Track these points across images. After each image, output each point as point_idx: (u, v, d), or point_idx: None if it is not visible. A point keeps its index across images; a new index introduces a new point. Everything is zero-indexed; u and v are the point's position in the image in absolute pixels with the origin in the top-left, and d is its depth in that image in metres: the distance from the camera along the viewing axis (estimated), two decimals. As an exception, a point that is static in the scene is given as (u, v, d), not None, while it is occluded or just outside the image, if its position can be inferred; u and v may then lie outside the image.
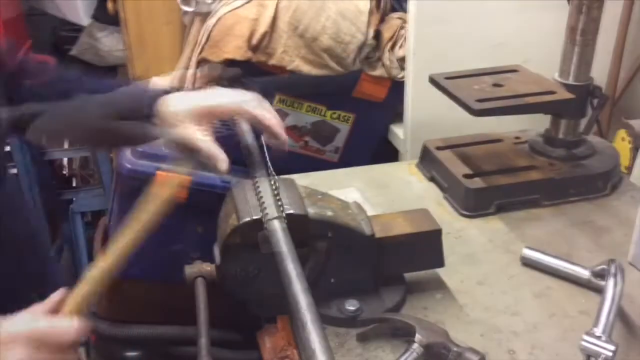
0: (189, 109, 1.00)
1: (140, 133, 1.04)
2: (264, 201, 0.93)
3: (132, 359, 2.15)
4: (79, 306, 0.89)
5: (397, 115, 2.02)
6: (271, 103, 2.02)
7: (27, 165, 2.60)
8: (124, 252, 0.94)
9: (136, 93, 1.10)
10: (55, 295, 0.89)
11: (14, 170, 2.64)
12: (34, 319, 0.85)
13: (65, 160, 3.36)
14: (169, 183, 0.98)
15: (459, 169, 1.39)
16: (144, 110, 1.02)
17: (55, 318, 0.86)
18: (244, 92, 1.05)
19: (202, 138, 0.99)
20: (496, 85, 1.42)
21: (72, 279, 0.93)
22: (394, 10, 2.01)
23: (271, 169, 0.99)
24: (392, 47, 1.95)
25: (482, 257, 1.21)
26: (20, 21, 2.72)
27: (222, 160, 0.98)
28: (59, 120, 1.04)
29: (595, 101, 1.42)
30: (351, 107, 2.05)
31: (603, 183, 1.40)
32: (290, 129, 2.06)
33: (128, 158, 1.92)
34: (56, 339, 0.84)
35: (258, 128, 1.04)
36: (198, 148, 0.99)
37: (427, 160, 1.51)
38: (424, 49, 1.74)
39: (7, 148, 3.23)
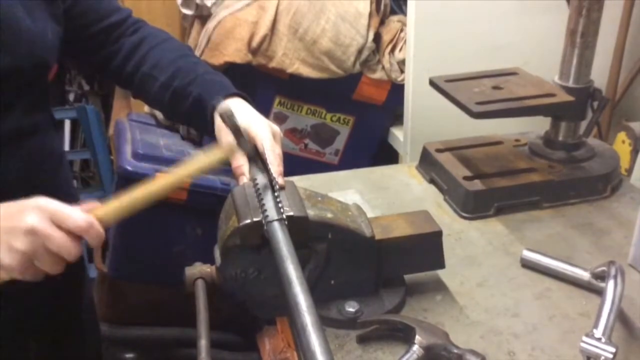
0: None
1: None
2: (264, 203, 0.94)
3: (131, 361, 2.14)
4: (102, 216, 0.90)
5: (397, 118, 2.03)
6: (271, 105, 2.03)
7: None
8: (161, 190, 0.95)
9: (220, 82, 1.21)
10: (84, 204, 0.91)
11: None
12: (49, 199, 0.87)
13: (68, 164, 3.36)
14: (221, 156, 1.01)
15: (459, 171, 1.40)
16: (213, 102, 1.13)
17: (70, 207, 0.87)
18: (263, 118, 1.10)
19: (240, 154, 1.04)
20: (496, 87, 1.42)
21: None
22: (393, 13, 2.02)
23: (271, 171, 0.99)
24: (392, 50, 1.95)
25: (482, 259, 1.21)
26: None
27: (241, 179, 1.03)
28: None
29: (595, 104, 1.42)
30: (351, 110, 2.05)
31: (603, 185, 1.40)
32: (290, 132, 2.07)
33: (128, 160, 1.93)
34: (65, 219, 0.85)
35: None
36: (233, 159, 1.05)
37: (427, 163, 1.52)
38: (424, 51, 1.74)
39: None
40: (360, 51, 1.91)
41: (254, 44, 1.88)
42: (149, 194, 0.93)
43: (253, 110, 1.13)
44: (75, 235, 0.86)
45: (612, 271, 1.01)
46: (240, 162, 1.04)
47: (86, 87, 3.42)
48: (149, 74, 1.22)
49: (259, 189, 0.97)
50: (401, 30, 1.94)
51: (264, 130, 1.05)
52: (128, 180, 1.88)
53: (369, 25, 1.91)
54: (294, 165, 1.29)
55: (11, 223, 0.84)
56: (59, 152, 1.21)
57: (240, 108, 1.11)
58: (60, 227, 0.84)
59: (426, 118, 1.81)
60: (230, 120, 0.98)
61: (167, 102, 1.22)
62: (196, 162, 0.98)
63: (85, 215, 0.87)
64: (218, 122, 1.09)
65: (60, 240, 0.84)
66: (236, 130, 1.00)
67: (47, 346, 1.22)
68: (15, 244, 0.83)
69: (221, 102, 1.12)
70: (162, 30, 1.31)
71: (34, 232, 0.83)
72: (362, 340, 0.99)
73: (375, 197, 1.43)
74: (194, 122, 1.29)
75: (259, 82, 1.96)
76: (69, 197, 1.18)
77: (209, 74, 1.22)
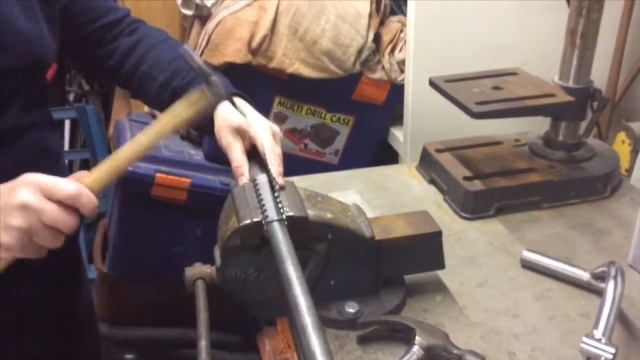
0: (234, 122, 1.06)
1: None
2: (264, 203, 0.94)
3: (131, 362, 2.14)
4: (91, 183, 0.90)
5: (397, 118, 2.03)
6: (271, 105, 2.03)
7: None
8: (144, 146, 0.96)
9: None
10: (72, 175, 0.92)
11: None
12: (37, 174, 0.87)
13: (66, 162, 3.36)
14: (195, 102, 1.01)
15: (459, 172, 1.40)
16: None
17: (60, 178, 0.88)
18: (263, 118, 1.11)
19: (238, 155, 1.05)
20: (496, 88, 1.42)
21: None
22: (393, 13, 2.02)
23: (271, 171, 0.99)
24: (392, 50, 1.95)
25: (482, 260, 1.21)
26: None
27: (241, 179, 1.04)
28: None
29: (595, 104, 1.42)
30: (351, 110, 2.05)
31: (603, 185, 1.40)
32: (290, 132, 2.07)
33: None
34: (55, 190, 0.86)
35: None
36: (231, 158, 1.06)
37: (427, 163, 1.52)
38: (424, 51, 1.74)
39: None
40: (360, 51, 1.91)
41: (254, 44, 1.88)
42: (131, 153, 0.94)
43: (253, 110, 1.13)
44: (68, 206, 0.86)
45: (612, 272, 1.01)
46: (240, 162, 1.04)
47: (86, 87, 3.42)
48: (148, 74, 1.22)
49: (258, 189, 0.97)
50: (401, 31, 1.94)
51: (264, 131, 1.05)
52: (127, 180, 1.88)
53: (369, 26, 1.91)
54: (293, 165, 1.29)
55: (3, 202, 0.85)
56: (56, 151, 1.22)
57: (239, 108, 1.11)
58: (51, 199, 0.85)
59: (426, 118, 1.81)
60: (192, 61, 0.99)
61: (166, 102, 1.21)
62: (170, 114, 0.98)
63: (75, 184, 0.87)
64: (218, 122, 1.09)
65: (53, 212, 0.85)
66: (203, 72, 1.00)
67: (45, 345, 1.22)
68: (11, 221, 0.84)
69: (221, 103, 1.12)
70: (160, 29, 1.31)
71: (26, 207, 0.84)
72: (362, 340, 0.99)
73: (375, 198, 1.43)
74: (193, 122, 1.28)
75: (259, 82, 1.96)
76: None
77: None
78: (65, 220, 0.86)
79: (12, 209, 0.84)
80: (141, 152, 0.95)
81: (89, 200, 0.88)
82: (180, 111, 0.99)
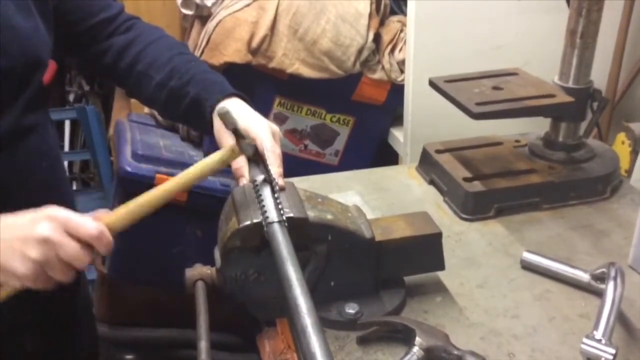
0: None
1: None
2: (264, 204, 0.94)
3: (131, 362, 2.14)
4: (111, 224, 0.91)
5: (397, 119, 2.03)
6: (271, 105, 2.03)
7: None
8: (168, 193, 0.96)
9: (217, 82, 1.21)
10: (92, 212, 0.93)
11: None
12: (61, 209, 0.88)
13: (65, 164, 3.37)
14: (227, 159, 1.02)
15: (459, 172, 1.40)
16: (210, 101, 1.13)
17: (81, 216, 0.89)
18: (262, 118, 1.10)
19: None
20: (496, 88, 1.42)
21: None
22: (393, 13, 2.02)
23: (271, 172, 0.99)
24: (392, 50, 1.95)
25: (482, 261, 1.21)
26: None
27: (241, 180, 1.04)
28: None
29: (595, 104, 1.42)
30: (351, 111, 2.05)
31: (603, 186, 1.40)
32: (290, 133, 2.07)
33: (128, 161, 1.92)
34: (77, 228, 0.86)
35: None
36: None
37: (427, 164, 1.52)
38: (424, 52, 1.74)
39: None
40: (360, 51, 1.91)
41: (254, 44, 1.88)
42: (154, 200, 0.94)
43: (251, 110, 1.12)
44: (85, 243, 0.87)
45: (612, 273, 1.01)
46: (240, 163, 1.04)
47: (86, 88, 3.43)
48: (145, 72, 1.21)
49: (258, 190, 0.97)
50: (401, 31, 1.94)
51: (263, 131, 1.05)
52: (128, 181, 1.88)
53: (369, 26, 1.91)
54: (293, 166, 1.29)
55: (25, 233, 0.85)
56: (55, 153, 1.21)
57: (238, 108, 1.11)
58: (72, 235, 0.86)
59: (426, 118, 1.81)
60: (229, 123, 0.98)
61: (163, 102, 1.21)
62: (199, 166, 0.99)
63: (96, 224, 0.88)
64: (217, 123, 1.09)
65: (72, 249, 0.85)
66: (236, 132, 1.00)
67: (43, 344, 1.22)
68: (29, 253, 0.84)
69: (219, 103, 1.12)
70: (156, 27, 1.30)
71: (47, 242, 0.84)
72: (362, 341, 0.99)
73: (375, 198, 1.43)
74: (191, 122, 1.28)
75: (258, 82, 1.96)
76: (64, 198, 1.19)
77: (206, 73, 1.22)
78: (81, 258, 0.87)
79: (33, 240, 0.84)
80: (165, 198, 0.95)
81: (107, 242, 0.89)
82: (210, 164, 0.99)
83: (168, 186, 0.96)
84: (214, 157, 1.00)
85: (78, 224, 0.86)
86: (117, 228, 0.92)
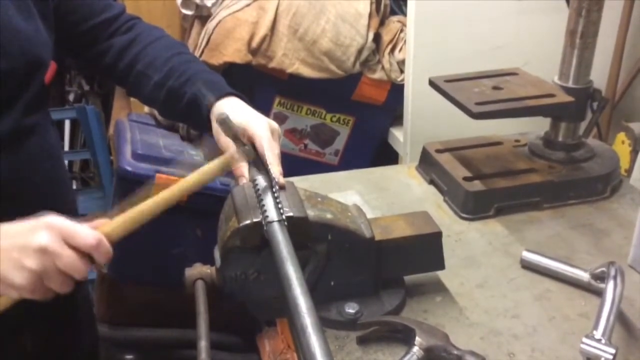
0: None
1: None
2: (264, 204, 0.93)
3: (131, 362, 2.14)
4: (109, 232, 0.90)
5: (397, 118, 2.03)
6: (271, 105, 2.03)
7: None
8: (167, 200, 0.94)
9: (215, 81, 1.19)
10: (88, 219, 0.91)
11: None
12: (59, 218, 0.86)
13: (65, 163, 3.36)
14: (226, 165, 1.01)
15: (459, 172, 1.40)
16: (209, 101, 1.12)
17: (79, 224, 0.87)
18: (261, 116, 1.09)
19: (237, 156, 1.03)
20: (496, 88, 1.42)
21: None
22: (393, 13, 2.02)
23: (271, 171, 0.99)
24: (392, 50, 1.95)
25: (481, 260, 1.21)
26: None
27: (241, 180, 1.03)
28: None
29: (595, 104, 1.42)
30: (351, 110, 2.05)
31: (603, 186, 1.40)
32: (290, 132, 2.07)
33: (128, 160, 1.92)
34: (75, 237, 0.85)
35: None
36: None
37: (427, 163, 1.52)
38: (424, 52, 1.74)
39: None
40: (360, 51, 1.91)
41: (254, 44, 1.88)
42: (153, 207, 0.93)
43: (250, 109, 1.12)
44: (84, 253, 0.86)
45: (612, 272, 1.01)
46: (240, 162, 1.04)
47: (86, 87, 3.42)
48: (143, 72, 1.21)
49: (258, 189, 0.97)
50: (401, 31, 1.94)
51: (262, 129, 1.05)
52: (127, 180, 1.88)
53: (368, 26, 1.91)
54: (293, 165, 1.29)
55: (22, 242, 0.84)
56: (56, 153, 1.21)
57: (237, 107, 1.11)
58: (70, 245, 0.85)
59: (426, 118, 1.81)
60: (227, 128, 0.98)
61: (161, 101, 1.21)
62: (199, 172, 0.98)
63: (95, 233, 0.87)
64: (215, 124, 1.09)
65: (70, 259, 0.84)
66: (235, 138, 0.99)
67: (43, 344, 1.22)
68: (27, 263, 0.83)
69: (217, 103, 1.12)
70: (156, 27, 1.30)
71: (45, 251, 0.83)
72: (362, 341, 0.99)
73: (375, 198, 1.43)
74: (190, 121, 1.28)
75: (258, 82, 1.96)
76: (65, 198, 1.19)
77: (204, 73, 1.22)
78: (79, 268, 0.85)
79: (30, 250, 0.83)
80: (164, 206, 0.94)
81: (106, 251, 0.88)
82: (210, 171, 0.98)
83: (167, 194, 0.95)
84: (214, 164, 0.99)
85: (76, 234, 0.85)
86: (116, 237, 0.91)
